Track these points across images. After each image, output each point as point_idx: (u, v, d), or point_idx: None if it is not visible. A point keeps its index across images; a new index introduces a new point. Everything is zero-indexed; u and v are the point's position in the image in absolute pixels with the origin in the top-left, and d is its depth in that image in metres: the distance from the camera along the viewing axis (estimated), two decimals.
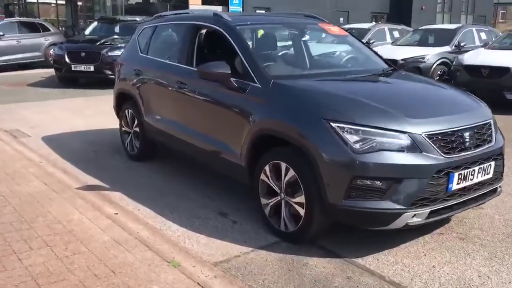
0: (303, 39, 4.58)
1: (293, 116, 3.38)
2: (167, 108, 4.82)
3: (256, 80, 3.77)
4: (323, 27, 4.70)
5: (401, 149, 3.07)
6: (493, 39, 12.04)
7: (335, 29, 4.73)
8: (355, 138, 3.09)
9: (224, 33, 4.22)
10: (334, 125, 3.14)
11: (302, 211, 3.35)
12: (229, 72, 3.84)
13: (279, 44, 4.59)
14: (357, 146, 3.06)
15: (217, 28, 4.32)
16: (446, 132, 3.20)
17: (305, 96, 3.47)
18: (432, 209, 3.14)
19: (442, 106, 3.55)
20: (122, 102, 5.75)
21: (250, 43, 4.14)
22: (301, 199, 3.34)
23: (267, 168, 3.59)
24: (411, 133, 3.10)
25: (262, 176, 3.65)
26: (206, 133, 4.24)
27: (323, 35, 4.82)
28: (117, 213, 4.08)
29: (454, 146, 3.21)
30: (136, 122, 5.47)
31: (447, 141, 3.19)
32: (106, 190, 4.66)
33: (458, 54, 10.44)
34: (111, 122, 7.35)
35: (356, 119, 3.14)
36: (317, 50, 4.83)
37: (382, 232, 3.52)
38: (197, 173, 5.13)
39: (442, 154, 3.12)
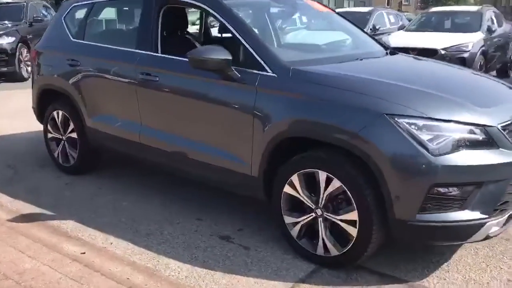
0: (298, 16, 3.86)
1: (339, 113, 2.67)
2: (126, 108, 3.78)
3: (267, 68, 2.98)
4: (310, 4, 4.01)
5: (479, 146, 2.53)
6: (400, 21, 12.34)
7: (321, 7, 4.07)
8: (428, 136, 2.49)
9: (210, 10, 3.33)
10: (401, 121, 2.50)
11: (353, 231, 2.67)
12: (230, 58, 3.00)
13: (276, 23, 3.82)
14: (433, 146, 2.46)
15: (198, 4, 3.41)
16: None
17: (349, 86, 2.77)
18: (511, 213, 2.67)
19: (495, 92, 3.09)
20: (48, 102, 4.53)
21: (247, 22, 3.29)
22: (351, 216, 2.66)
23: (295, 178, 2.85)
24: (487, 125, 2.57)
25: (287, 189, 2.90)
26: (196, 139, 3.35)
27: (310, 13, 4.13)
28: (84, 252, 3.05)
29: None
30: (71, 126, 4.32)
31: None
32: (54, 220, 3.53)
33: (375, 37, 10.43)
34: (13, 125, 5.99)
35: (426, 111, 2.54)
36: (312, 30, 4.14)
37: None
38: (164, 185, 4.17)
39: None
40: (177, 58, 3.34)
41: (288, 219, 2.96)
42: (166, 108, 3.50)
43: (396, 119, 2.50)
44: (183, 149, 3.43)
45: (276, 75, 2.94)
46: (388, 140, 2.50)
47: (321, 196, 2.77)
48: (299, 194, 2.86)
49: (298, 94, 2.84)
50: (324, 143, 2.75)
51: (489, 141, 2.55)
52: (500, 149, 2.57)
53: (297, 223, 2.92)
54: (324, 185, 2.74)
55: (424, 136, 2.47)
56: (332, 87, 2.78)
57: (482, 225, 2.54)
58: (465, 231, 2.55)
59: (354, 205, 2.63)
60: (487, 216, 2.55)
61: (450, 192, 2.49)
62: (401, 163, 2.48)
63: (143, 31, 3.68)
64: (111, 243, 3.18)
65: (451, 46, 8.36)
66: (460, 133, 2.51)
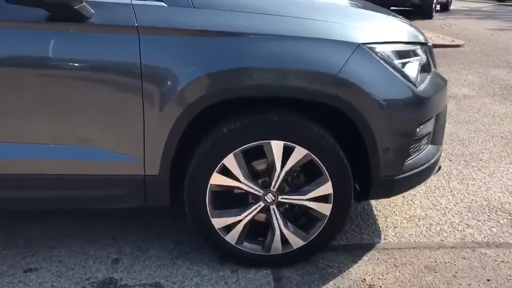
0: None
1: (299, 51, 1.80)
2: None
3: None
4: None
5: (426, 71, 2.17)
6: None
7: None
8: (402, 64, 1.96)
9: None
10: (379, 50, 1.88)
11: (325, 208, 1.98)
12: None
13: None
14: (413, 76, 1.97)
15: None
16: None
17: (292, 12, 1.90)
18: None
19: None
20: None
21: None
22: (323, 190, 1.95)
23: (230, 160, 1.88)
24: (427, 44, 2.23)
25: (216, 179, 1.91)
26: (32, 141, 1.82)
27: None
28: None
29: None
30: None
31: None
32: None
33: None
34: None
35: (391, 35, 2.01)
36: None
37: None
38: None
39: None
40: None
41: (219, 222, 1.99)
42: None
43: (374, 48, 1.87)
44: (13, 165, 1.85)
45: (165, 4, 1.79)
46: (371, 78, 1.85)
47: (276, 175, 1.92)
48: (239, 182, 1.92)
49: (212, 32, 1.80)
50: (268, 101, 1.88)
51: (429, 63, 2.23)
52: (433, 70, 2.30)
53: (236, 223, 1.99)
54: (280, 159, 1.90)
55: (401, 66, 1.95)
56: (271, 14, 1.86)
57: (439, 157, 2.28)
58: (433, 167, 2.22)
59: (327, 174, 1.93)
60: (440, 146, 2.30)
61: (424, 129, 2.09)
62: (389, 104, 1.89)
63: None
64: None
65: None
66: (418, 56, 2.09)
